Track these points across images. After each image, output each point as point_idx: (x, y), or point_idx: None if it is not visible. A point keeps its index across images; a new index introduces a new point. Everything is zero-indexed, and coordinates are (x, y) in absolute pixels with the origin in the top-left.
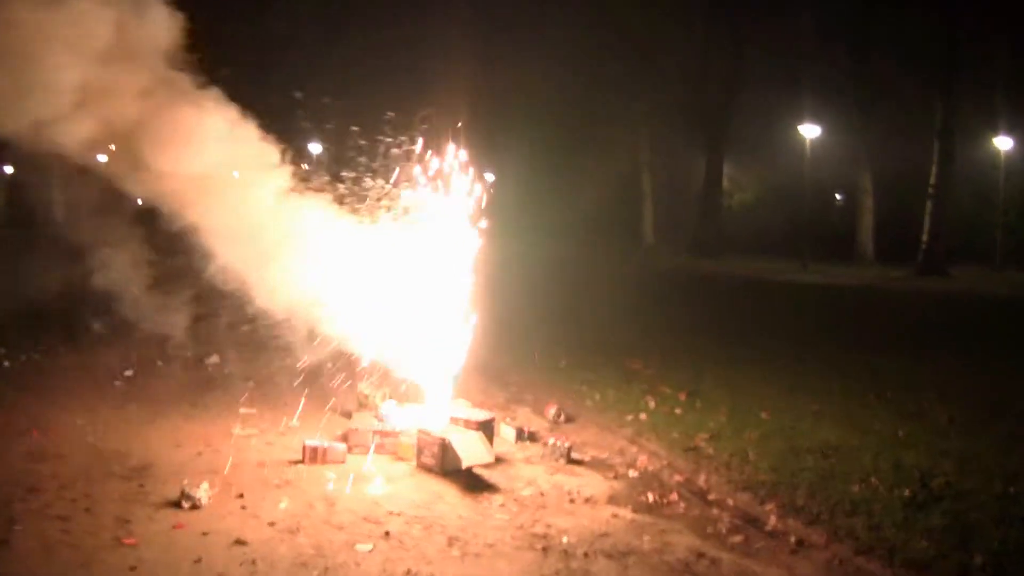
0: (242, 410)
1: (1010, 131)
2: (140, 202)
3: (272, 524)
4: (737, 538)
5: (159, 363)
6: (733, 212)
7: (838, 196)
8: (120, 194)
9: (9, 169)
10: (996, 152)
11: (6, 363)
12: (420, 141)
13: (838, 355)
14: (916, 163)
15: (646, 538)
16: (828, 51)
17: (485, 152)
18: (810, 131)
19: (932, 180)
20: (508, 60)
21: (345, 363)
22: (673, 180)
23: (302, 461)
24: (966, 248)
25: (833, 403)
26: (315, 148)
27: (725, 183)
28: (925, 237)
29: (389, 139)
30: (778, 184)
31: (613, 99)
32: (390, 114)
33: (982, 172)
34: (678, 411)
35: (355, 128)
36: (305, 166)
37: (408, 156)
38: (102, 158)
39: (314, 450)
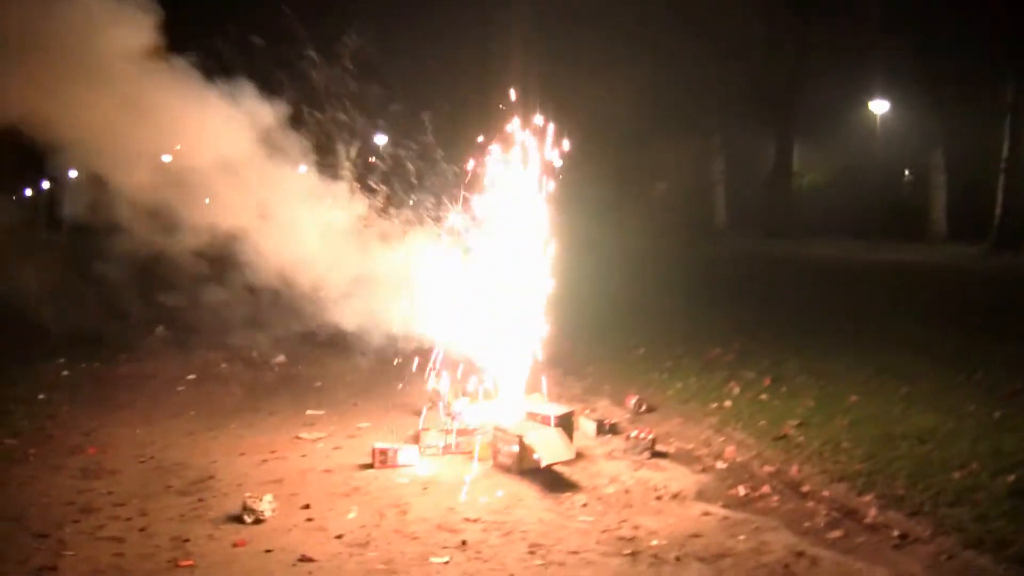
0: (309, 412)
1: None
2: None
3: (340, 537)
4: (836, 533)
5: (223, 365)
6: (804, 194)
7: (907, 173)
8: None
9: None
10: None
11: (65, 372)
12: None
13: (921, 335)
14: (988, 138)
15: (740, 537)
16: (896, 28)
17: (559, 143)
18: (880, 107)
19: (1004, 155)
20: (578, 52)
21: (416, 359)
22: (744, 164)
23: (372, 465)
24: None
25: (923, 386)
26: (381, 139)
27: (795, 165)
28: (998, 212)
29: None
30: (848, 163)
31: (683, 85)
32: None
33: None
34: (763, 397)
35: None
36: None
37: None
38: (166, 158)
39: (384, 453)
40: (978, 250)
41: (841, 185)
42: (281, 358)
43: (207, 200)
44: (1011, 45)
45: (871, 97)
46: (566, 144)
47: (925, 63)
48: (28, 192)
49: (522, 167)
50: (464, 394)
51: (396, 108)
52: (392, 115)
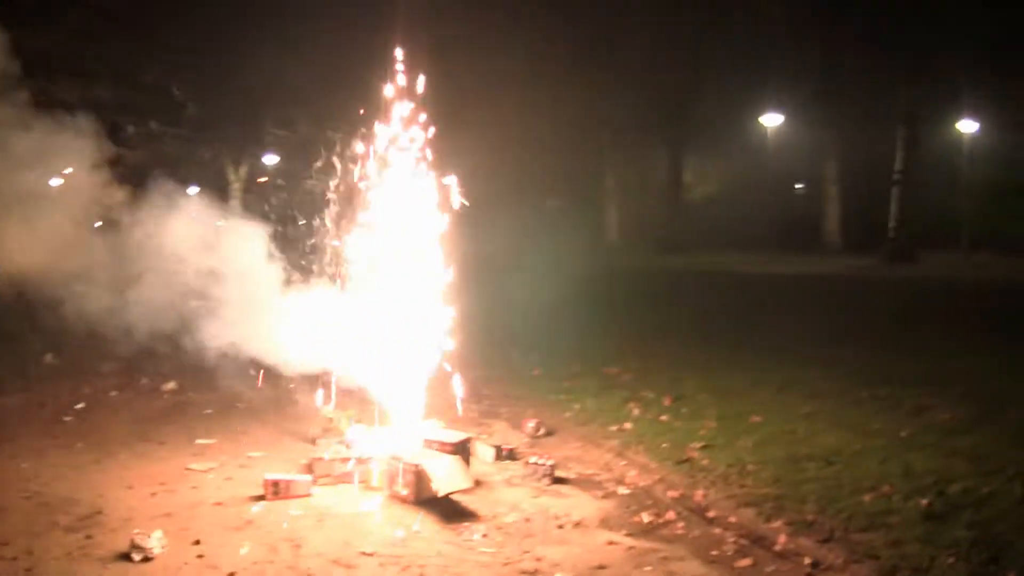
0: (199, 441)
1: (974, 115)
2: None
3: (232, 575)
4: (745, 562)
5: (113, 393)
6: (696, 206)
7: (798, 185)
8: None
9: None
10: (960, 136)
11: None
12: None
13: (820, 350)
14: (880, 150)
15: (647, 568)
16: (789, 40)
17: (444, 154)
18: (772, 120)
19: (897, 166)
20: (464, 64)
21: (308, 385)
22: (636, 177)
23: (264, 497)
24: (933, 234)
25: (826, 403)
26: (271, 159)
27: (687, 177)
28: (892, 224)
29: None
30: (741, 176)
31: (574, 98)
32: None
33: (947, 157)
34: (664, 418)
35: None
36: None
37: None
38: (55, 182)
39: (276, 484)
40: (874, 261)
41: (734, 198)
42: (172, 385)
43: (97, 224)
44: (903, 55)
45: (763, 110)
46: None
47: (818, 74)
48: None
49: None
50: (359, 421)
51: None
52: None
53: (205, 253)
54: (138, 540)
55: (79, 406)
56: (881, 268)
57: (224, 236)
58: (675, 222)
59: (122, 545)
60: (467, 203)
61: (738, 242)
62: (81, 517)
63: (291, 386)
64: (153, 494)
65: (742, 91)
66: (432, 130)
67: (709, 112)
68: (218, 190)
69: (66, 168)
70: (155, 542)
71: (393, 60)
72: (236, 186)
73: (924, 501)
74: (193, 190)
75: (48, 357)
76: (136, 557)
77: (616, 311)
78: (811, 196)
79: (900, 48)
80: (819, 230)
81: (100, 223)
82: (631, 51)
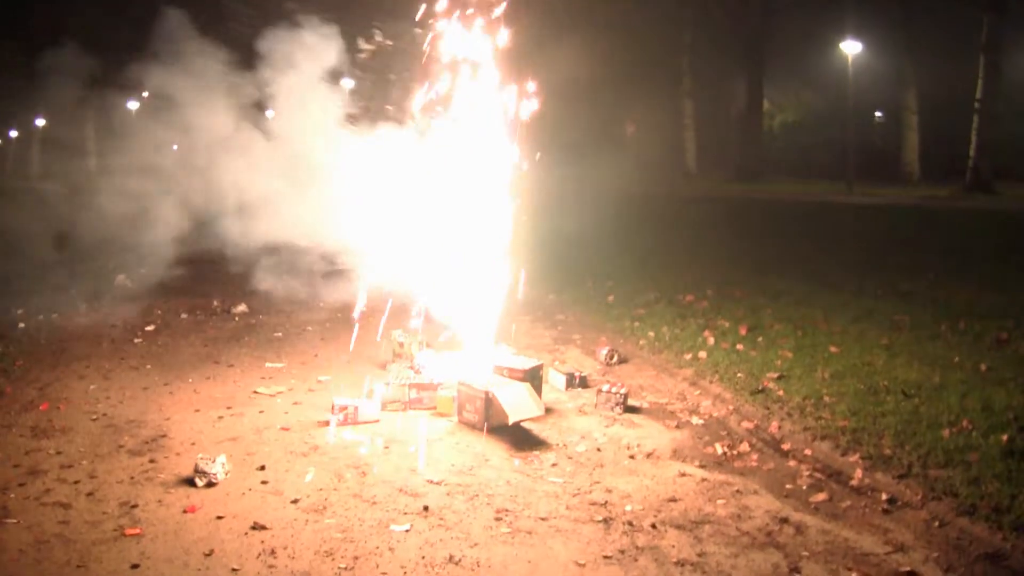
0: (268, 365)
1: None
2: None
3: (296, 502)
4: (820, 496)
5: (183, 315)
6: (775, 134)
7: (878, 114)
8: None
9: (41, 122)
10: None
11: (21, 324)
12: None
13: (899, 281)
14: (961, 79)
15: (719, 502)
16: None
17: (526, 79)
18: (851, 48)
19: (978, 96)
20: None
21: (379, 308)
22: (715, 106)
23: (331, 422)
24: (1013, 165)
25: (904, 335)
26: (347, 83)
27: (766, 105)
28: (972, 154)
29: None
30: (820, 104)
31: (652, 26)
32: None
33: None
34: (739, 347)
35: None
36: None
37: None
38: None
39: (344, 409)
40: (952, 191)
41: (812, 126)
42: (242, 307)
43: (175, 146)
44: None
45: (842, 37)
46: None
47: (898, 1)
48: None
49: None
50: (429, 345)
51: None
52: None
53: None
54: (202, 465)
55: (149, 328)
56: (959, 199)
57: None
58: (753, 150)
59: (186, 470)
60: (538, 153)
61: (816, 170)
62: (146, 440)
63: (362, 310)
64: (220, 418)
65: (821, 17)
66: (509, 48)
67: (788, 39)
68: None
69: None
70: (219, 467)
71: None
72: None
73: (1004, 437)
74: (270, 112)
75: (121, 278)
76: (200, 482)
77: (692, 239)
78: (890, 125)
79: None
80: (898, 159)
81: (176, 146)
82: None
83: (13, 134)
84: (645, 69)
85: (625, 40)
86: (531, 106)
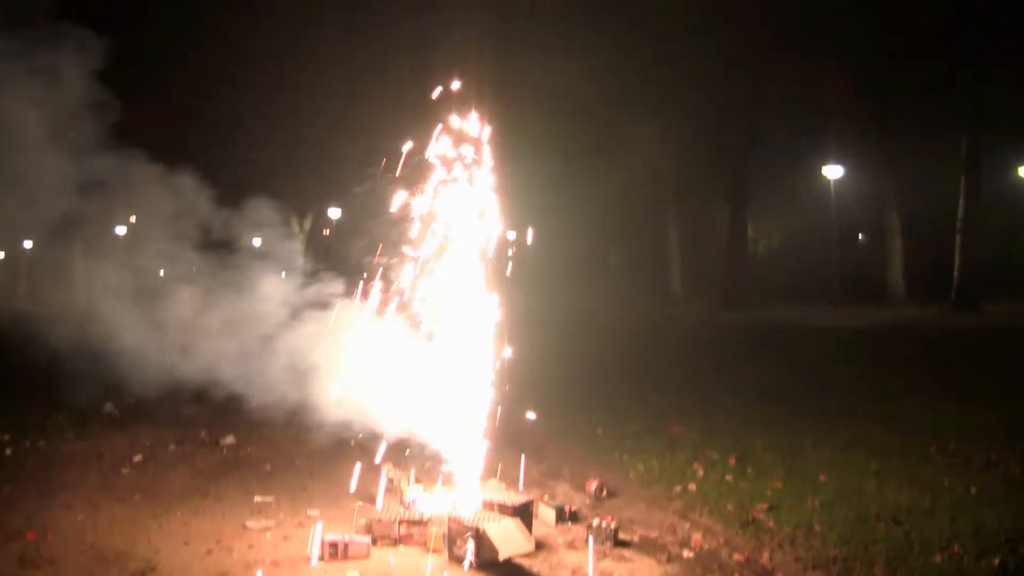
0: (257, 499)
1: None
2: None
3: None
4: None
5: (171, 446)
6: (759, 259)
7: (860, 236)
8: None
9: (28, 244)
10: (1023, 182)
11: (8, 451)
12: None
13: (886, 404)
14: (943, 198)
15: None
16: (849, 91)
17: (508, 207)
18: (834, 172)
19: (960, 214)
20: (535, 122)
21: (368, 443)
22: (699, 230)
23: (322, 558)
24: (997, 282)
25: (893, 460)
26: (335, 213)
27: (750, 230)
28: (956, 273)
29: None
30: (803, 228)
31: (637, 154)
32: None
33: (1010, 203)
34: (729, 478)
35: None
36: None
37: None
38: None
39: (334, 545)
40: (938, 311)
41: (797, 249)
42: (230, 439)
43: (161, 272)
44: (964, 103)
45: (824, 161)
46: (510, 232)
47: (877, 125)
48: None
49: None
50: (419, 481)
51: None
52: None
53: (263, 306)
54: None
55: (137, 458)
56: (945, 318)
57: (285, 290)
58: (738, 275)
59: None
60: (527, 251)
61: (802, 294)
62: (135, 573)
63: (351, 445)
64: (209, 552)
65: (803, 143)
66: (494, 180)
67: (770, 165)
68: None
69: (131, 216)
70: None
71: (455, 110)
72: (300, 238)
73: (996, 560)
74: (256, 241)
75: (108, 406)
76: None
77: (677, 367)
78: (874, 246)
79: (958, 97)
80: (883, 280)
81: (163, 272)
82: (692, 106)
83: (0, 255)
84: (629, 196)
85: (609, 169)
86: (515, 240)
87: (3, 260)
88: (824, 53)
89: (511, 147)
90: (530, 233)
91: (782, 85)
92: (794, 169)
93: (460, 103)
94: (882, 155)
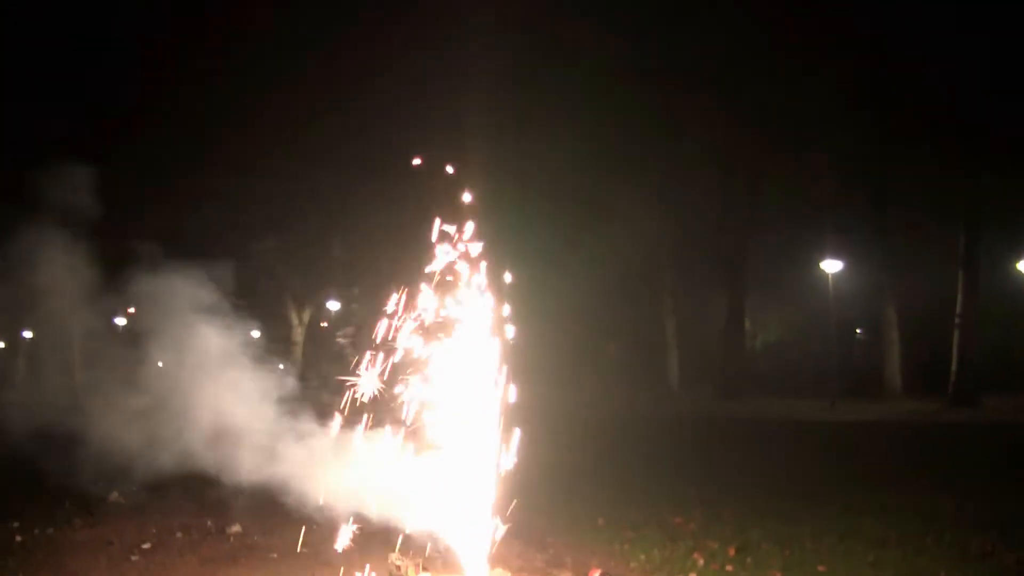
0: None
1: None
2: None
3: None
4: None
5: (179, 535)
6: (757, 352)
7: (858, 331)
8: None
9: (28, 334)
10: (1020, 276)
11: (18, 538)
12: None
13: (885, 497)
14: (940, 293)
15: None
16: (846, 187)
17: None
18: (832, 266)
19: (958, 310)
20: (527, 210)
21: (374, 532)
22: (697, 322)
23: None
24: (995, 376)
25: (890, 551)
26: (334, 305)
27: (747, 323)
28: (954, 367)
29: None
30: (801, 321)
31: (635, 244)
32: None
33: (1008, 297)
34: (729, 568)
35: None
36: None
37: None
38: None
39: None
40: (935, 406)
41: (794, 342)
42: (236, 527)
43: (159, 363)
44: (960, 200)
45: (822, 256)
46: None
47: (873, 221)
48: None
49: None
50: (425, 568)
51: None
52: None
53: (266, 401)
54: None
55: (145, 546)
56: (943, 413)
57: (286, 384)
58: (735, 367)
59: None
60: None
61: (799, 387)
62: None
63: (356, 532)
64: None
65: (800, 237)
66: (486, 278)
67: (768, 258)
68: (280, 332)
69: (130, 307)
70: None
71: (444, 215)
72: (299, 330)
73: None
74: (255, 332)
75: (114, 495)
76: None
77: (676, 458)
78: (872, 340)
79: (955, 194)
80: (880, 375)
81: (161, 364)
82: (690, 199)
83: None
84: (627, 287)
85: (607, 259)
86: (510, 336)
87: (3, 349)
88: (820, 151)
89: (505, 237)
90: (512, 331)
91: (779, 182)
92: (792, 262)
93: (450, 190)
94: (879, 250)
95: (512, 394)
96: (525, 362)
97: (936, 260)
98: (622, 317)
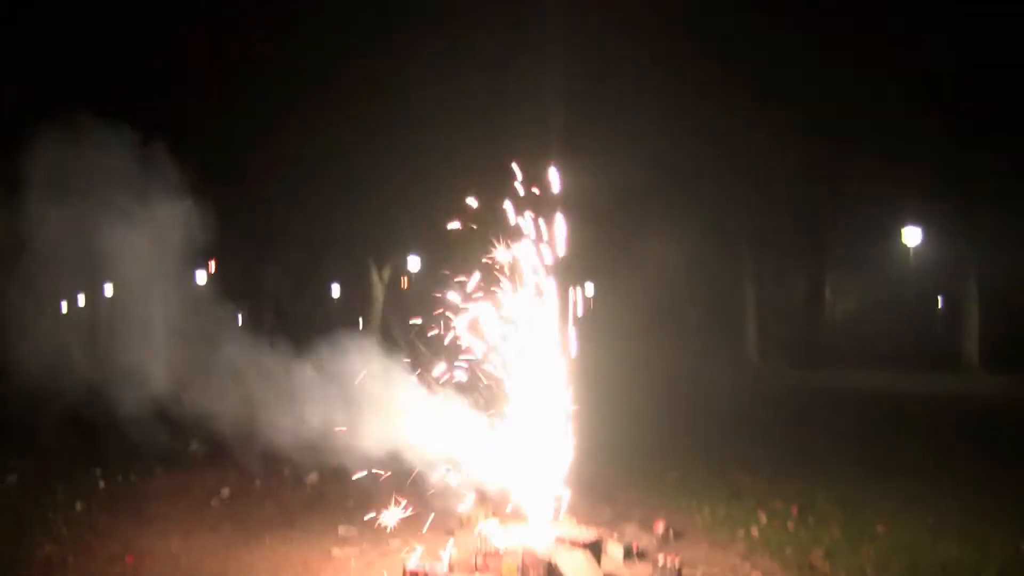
0: (341, 530)
1: None
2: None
3: None
4: None
5: (257, 482)
6: (836, 323)
7: (940, 302)
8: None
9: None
10: None
11: (102, 484)
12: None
13: (952, 467)
14: (1022, 268)
15: None
16: (931, 161)
17: (583, 265)
18: (913, 236)
19: None
20: (612, 182)
21: (448, 481)
22: (776, 293)
23: None
24: None
25: (950, 517)
26: (414, 263)
27: (827, 293)
28: None
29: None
30: (881, 293)
31: (716, 214)
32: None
33: None
34: (791, 526)
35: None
36: None
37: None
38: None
39: (415, 573)
40: (1011, 381)
41: (874, 314)
42: (313, 476)
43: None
44: None
45: (903, 225)
46: (588, 285)
47: (957, 192)
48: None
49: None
50: (494, 516)
51: None
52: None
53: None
54: None
55: (224, 492)
56: (1018, 388)
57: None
58: (814, 337)
59: None
60: (600, 306)
61: (878, 359)
62: None
63: (432, 482)
64: None
65: (883, 209)
66: (566, 243)
67: (850, 228)
68: (360, 292)
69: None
70: None
71: (525, 176)
72: (379, 288)
73: None
74: (335, 290)
75: (194, 444)
76: None
77: (749, 423)
78: (952, 312)
79: None
80: (958, 348)
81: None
82: (771, 169)
83: (81, 302)
84: (708, 255)
85: (688, 227)
86: (593, 293)
87: (83, 308)
88: (907, 123)
89: (589, 204)
90: (591, 288)
91: (863, 151)
92: (873, 233)
93: (534, 162)
94: (962, 222)
95: (584, 354)
96: (605, 324)
97: (1020, 237)
98: (702, 285)
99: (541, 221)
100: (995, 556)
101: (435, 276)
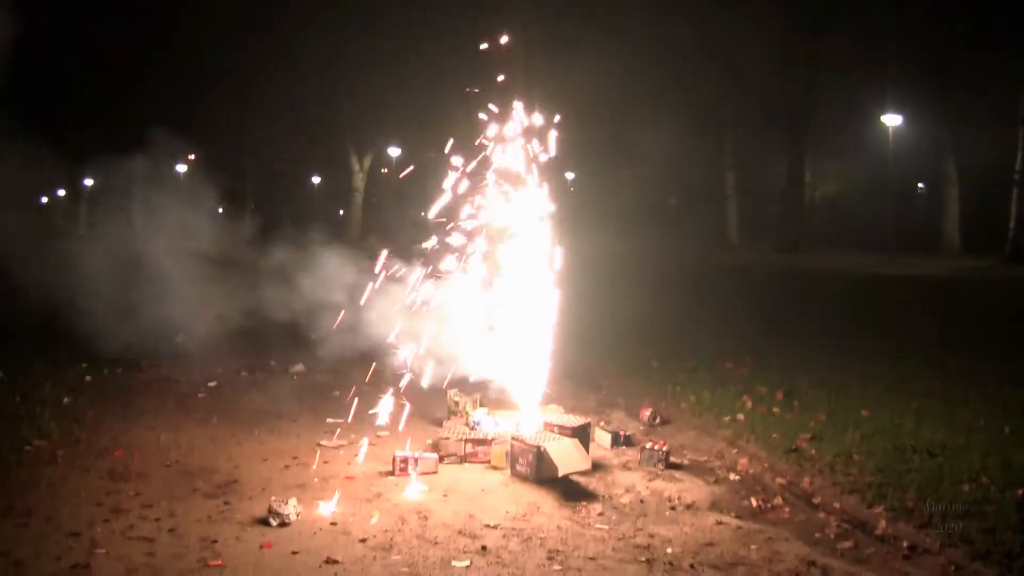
0: (329, 420)
1: None
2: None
3: (364, 541)
4: (846, 544)
5: (243, 374)
6: (816, 206)
7: (920, 186)
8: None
9: (89, 181)
10: None
11: (88, 378)
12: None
13: (934, 351)
14: (1001, 150)
15: (753, 547)
16: (909, 40)
17: (565, 150)
18: (892, 120)
19: (1017, 166)
20: (587, 63)
21: (434, 370)
22: (757, 177)
23: (392, 473)
24: None
25: (934, 401)
26: (394, 151)
27: (807, 177)
28: (1012, 225)
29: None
30: (861, 176)
31: (696, 100)
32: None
33: None
34: (776, 411)
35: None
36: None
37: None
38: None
39: (404, 461)
40: (991, 262)
41: (854, 197)
42: (299, 367)
43: (220, 209)
44: (1019, 55)
45: (883, 110)
46: (568, 173)
47: (934, 74)
48: (43, 200)
49: (527, 172)
50: (483, 404)
51: None
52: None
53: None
54: (275, 506)
55: (211, 384)
56: (1000, 269)
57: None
58: (794, 221)
59: (259, 511)
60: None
61: (857, 242)
62: (219, 485)
63: (418, 371)
64: (287, 467)
65: (862, 91)
66: (552, 133)
67: (829, 111)
68: (339, 179)
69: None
70: (291, 509)
71: (507, 58)
72: (359, 176)
73: (1020, 491)
74: (315, 179)
75: (179, 337)
76: (273, 522)
77: (732, 309)
78: (931, 196)
79: (1015, 49)
80: (939, 231)
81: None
82: (750, 54)
83: (61, 193)
84: (688, 142)
85: (668, 114)
86: (573, 179)
87: (65, 197)
88: (884, 7)
89: (568, 94)
90: (571, 177)
91: (842, 36)
92: (853, 116)
93: (514, 56)
94: (940, 106)
95: (564, 245)
96: (585, 212)
97: (997, 118)
98: (683, 171)
99: (532, 113)
100: (979, 439)
101: (423, 163)
